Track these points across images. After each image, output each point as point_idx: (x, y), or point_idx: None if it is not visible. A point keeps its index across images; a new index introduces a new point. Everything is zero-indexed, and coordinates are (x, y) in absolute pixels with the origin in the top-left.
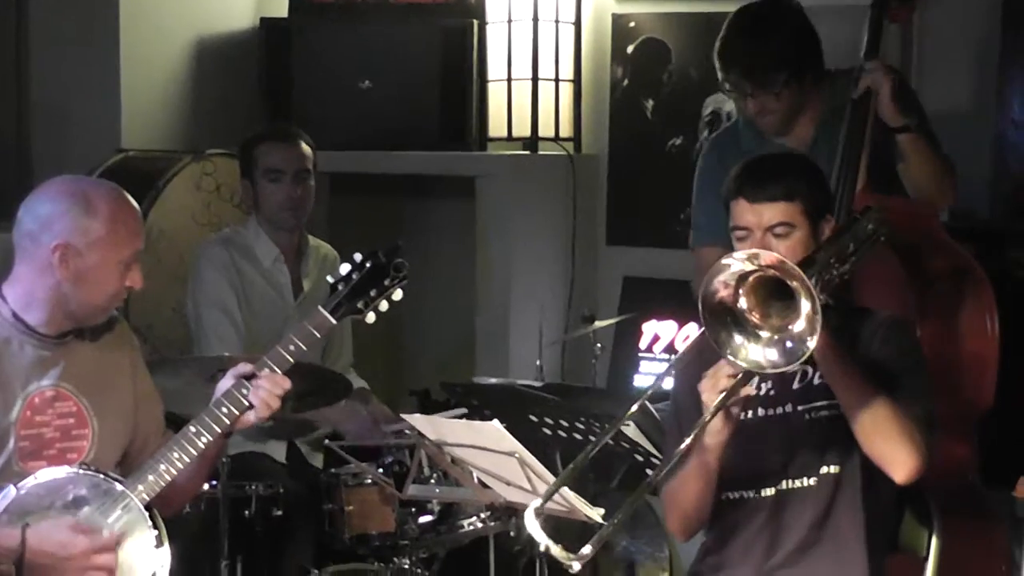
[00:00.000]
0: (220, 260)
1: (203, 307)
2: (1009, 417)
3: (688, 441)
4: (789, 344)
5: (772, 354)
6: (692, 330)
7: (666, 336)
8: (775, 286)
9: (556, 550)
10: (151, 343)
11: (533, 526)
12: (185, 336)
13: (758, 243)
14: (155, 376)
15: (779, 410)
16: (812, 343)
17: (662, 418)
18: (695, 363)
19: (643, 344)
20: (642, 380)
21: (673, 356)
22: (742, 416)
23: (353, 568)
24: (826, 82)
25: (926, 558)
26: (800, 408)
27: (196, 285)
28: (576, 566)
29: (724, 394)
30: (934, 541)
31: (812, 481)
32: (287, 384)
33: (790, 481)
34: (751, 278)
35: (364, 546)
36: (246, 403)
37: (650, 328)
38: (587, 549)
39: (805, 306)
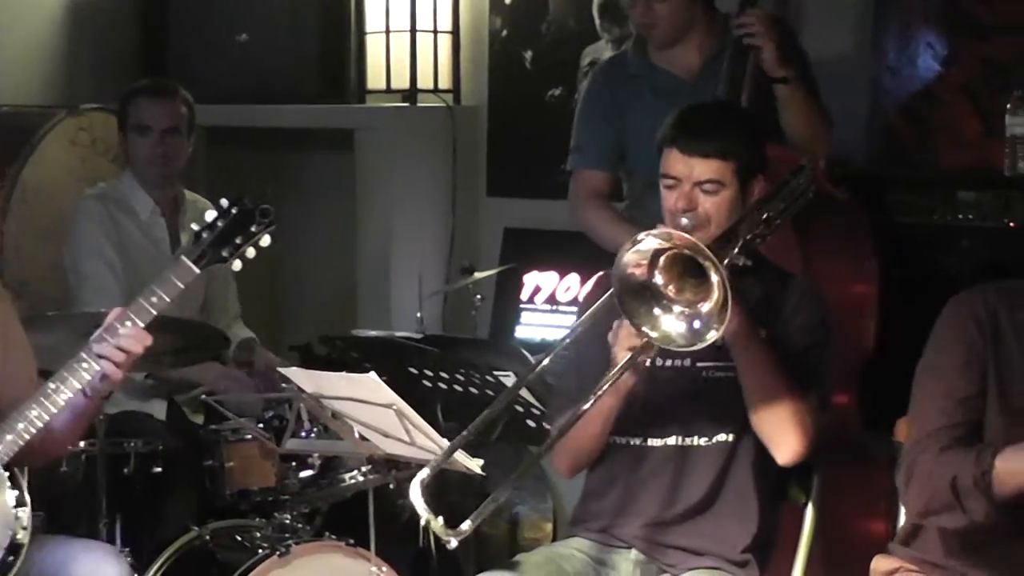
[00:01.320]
0: (97, 214)
1: (82, 260)
2: (889, 360)
3: (592, 400)
4: (697, 323)
5: (682, 328)
6: (573, 281)
7: (547, 287)
8: (691, 262)
9: (436, 525)
10: (27, 300)
11: (416, 498)
12: (61, 293)
13: (685, 195)
14: (30, 333)
15: (677, 362)
16: (716, 332)
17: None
18: (602, 313)
19: (524, 295)
20: (524, 331)
21: (554, 307)
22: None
23: (234, 524)
24: (718, 16)
25: (806, 504)
26: (699, 364)
27: (74, 239)
28: (454, 542)
29: (632, 353)
30: (814, 489)
31: (704, 442)
32: (147, 340)
33: (681, 438)
34: (666, 254)
35: (245, 502)
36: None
37: (531, 279)
38: (466, 525)
39: (717, 290)
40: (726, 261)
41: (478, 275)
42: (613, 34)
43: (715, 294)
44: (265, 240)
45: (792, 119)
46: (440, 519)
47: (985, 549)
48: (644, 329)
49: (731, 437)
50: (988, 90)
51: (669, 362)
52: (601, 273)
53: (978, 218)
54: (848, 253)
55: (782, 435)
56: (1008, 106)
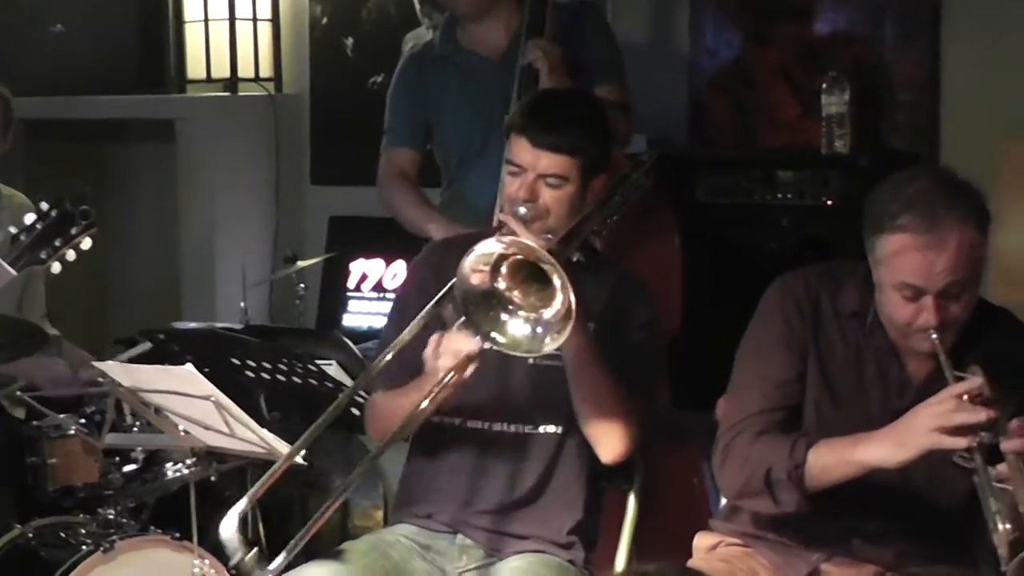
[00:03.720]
0: None
1: None
2: (712, 340)
3: (425, 404)
4: (539, 329)
5: (526, 332)
6: (400, 268)
7: (374, 274)
8: (533, 266)
9: (248, 562)
10: None
11: (230, 534)
12: None
13: (528, 185)
14: None
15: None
16: (555, 342)
17: (366, 357)
18: (430, 267)
19: (351, 283)
20: (351, 319)
21: (381, 294)
22: None
23: (58, 521)
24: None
25: (631, 487)
26: None
27: None
28: None
29: (451, 369)
30: (637, 469)
31: (530, 429)
32: None
33: (506, 425)
34: (509, 260)
35: (69, 498)
36: None
37: (357, 267)
38: (280, 558)
39: (559, 295)
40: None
41: (301, 264)
42: (434, 19)
43: (557, 301)
44: (86, 243)
45: None
46: (254, 550)
47: (798, 524)
48: (493, 335)
49: (559, 429)
50: (804, 71)
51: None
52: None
53: (796, 197)
54: (648, 233)
55: (607, 437)
56: (823, 86)
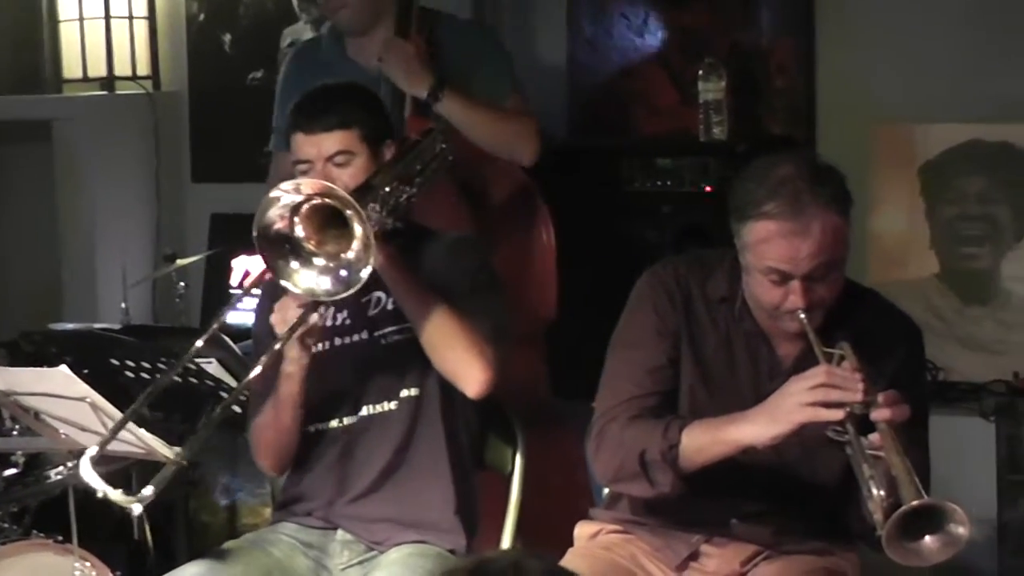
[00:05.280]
0: None
1: None
2: (592, 329)
3: (257, 371)
4: (343, 272)
5: (326, 282)
6: None
7: (256, 271)
8: (332, 213)
9: (115, 495)
10: None
11: (89, 474)
12: None
13: (319, 174)
14: None
15: (354, 337)
16: (365, 273)
17: (246, 355)
18: (272, 296)
19: (234, 280)
20: (235, 316)
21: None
22: (319, 347)
23: None
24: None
25: (511, 474)
26: (376, 334)
27: None
28: (137, 508)
29: (293, 324)
30: (518, 458)
31: (392, 405)
32: None
33: (370, 407)
34: (305, 207)
35: None
36: None
37: (240, 264)
38: (148, 490)
39: (358, 233)
40: (372, 219)
41: (181, 262)
42: (311, 14)
43: (357, 237)
44: None
45: (472, 133)
46: (119, 491)
47: (677, 507)
48: (282, 282)
49: (415, 391)
50: (683, 59)
51: (348, 339)
52: None
53: (676, 184)
54: (520, 223)
55: (463, 366)
56: (700, 72)
